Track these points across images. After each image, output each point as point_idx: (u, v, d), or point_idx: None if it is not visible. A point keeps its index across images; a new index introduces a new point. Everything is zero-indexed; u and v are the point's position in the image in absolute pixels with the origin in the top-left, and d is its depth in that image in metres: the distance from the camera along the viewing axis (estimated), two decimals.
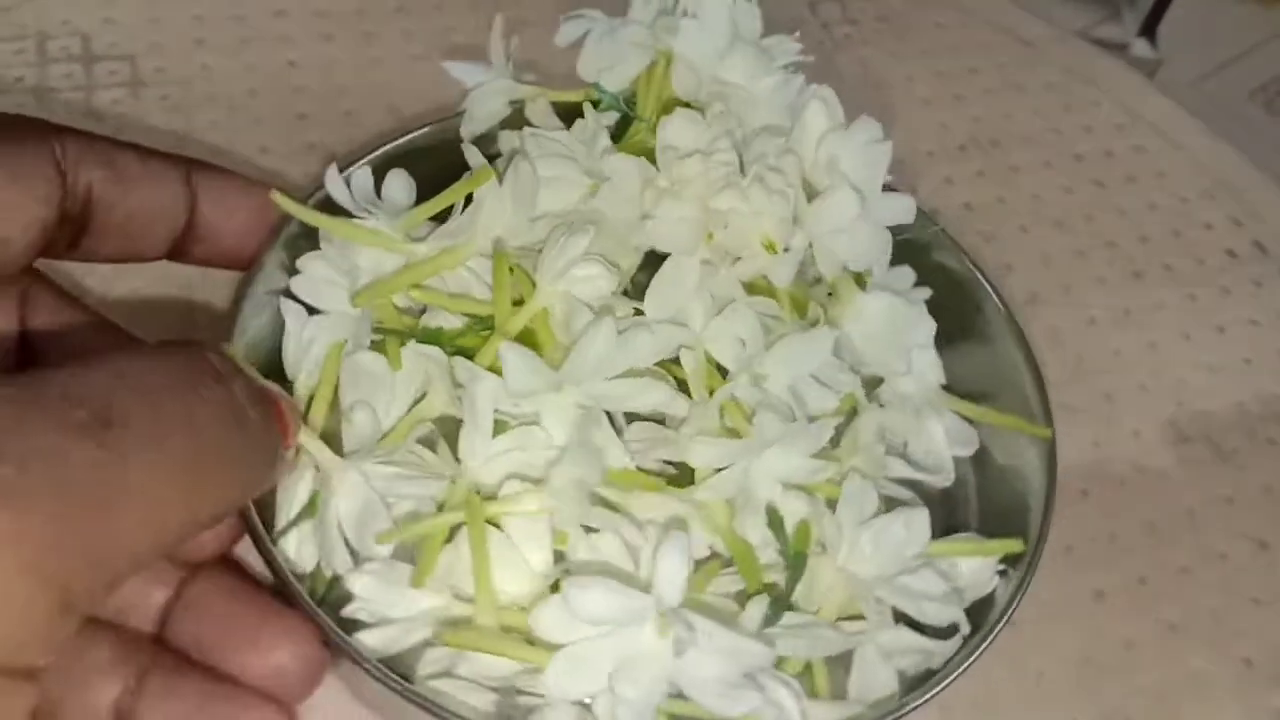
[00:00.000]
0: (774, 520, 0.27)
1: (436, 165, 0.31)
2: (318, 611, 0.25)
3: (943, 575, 0.27)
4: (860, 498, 0.27)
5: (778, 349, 0.28)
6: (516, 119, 0.32)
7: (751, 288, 0.30)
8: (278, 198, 0.29)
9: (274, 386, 0.24)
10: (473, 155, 0.30)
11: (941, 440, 0.31)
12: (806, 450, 0.27)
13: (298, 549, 0.26)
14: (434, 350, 0.28)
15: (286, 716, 0.25)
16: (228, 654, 0.25)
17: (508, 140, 0.32)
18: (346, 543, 0.26)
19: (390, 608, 0.25)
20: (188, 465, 0.20)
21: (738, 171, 0.29)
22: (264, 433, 0.23)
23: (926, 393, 0.31)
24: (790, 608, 0.27)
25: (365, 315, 0.28)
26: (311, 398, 0.28)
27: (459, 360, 0.27)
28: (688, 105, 0.31)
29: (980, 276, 0.33)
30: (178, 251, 0.28)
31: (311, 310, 0.29)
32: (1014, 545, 0.28)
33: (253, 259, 0.29)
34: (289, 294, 0.29)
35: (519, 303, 0.29)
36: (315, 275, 0.29)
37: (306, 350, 0.28)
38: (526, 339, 0.28)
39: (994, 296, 0.33)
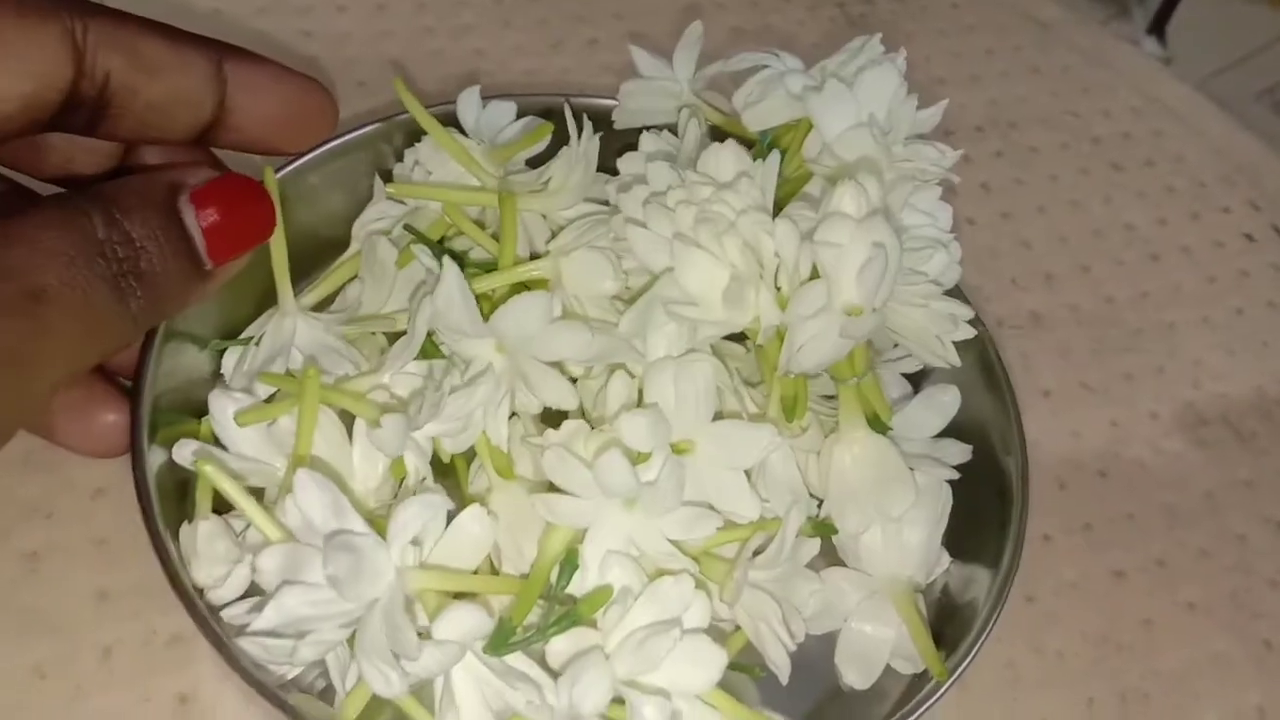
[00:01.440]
0: (570, 560, 0.25)
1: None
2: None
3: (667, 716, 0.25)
4: (667, 600, 0.25)
5: (716, 425, 0.26)
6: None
7: (758, 357, 0.28)
8: (401, 89, 0.30)
9: (252, 181, 0.26)
10: (573, 122, 0.29)
11: (880, 642, 0.28)
12: (668, 531, 0.25)
13: (234, 364, 0.28)
14: (434, 263, 0.27)
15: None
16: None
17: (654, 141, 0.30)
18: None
19: (232, 439, 0.26)
20: (55, 324, 0.22)
21: (728, 217, 0.26)
22: (139, 308, 0.24)
23: (892, 579, 0.28)
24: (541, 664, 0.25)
25: (420, 212, 0.30)
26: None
27: (433, 273, 0.27)
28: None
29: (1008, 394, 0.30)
30: (202, 137, 0.28)
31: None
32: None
33: (290, 152, 0.30)
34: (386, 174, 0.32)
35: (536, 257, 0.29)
36: (430, 158, 0.31)
37: (367, 227, 0.30)
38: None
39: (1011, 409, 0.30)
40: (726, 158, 0.27)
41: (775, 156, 0.27)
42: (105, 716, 0.27)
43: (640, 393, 0.27)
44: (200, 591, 0.25)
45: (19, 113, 0.25)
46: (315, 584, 0.22)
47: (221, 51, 0.27)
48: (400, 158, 0.32)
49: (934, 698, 0.26)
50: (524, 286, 0.28)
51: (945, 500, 0.28)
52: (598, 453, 0.25)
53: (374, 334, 0.29)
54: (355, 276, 0.30)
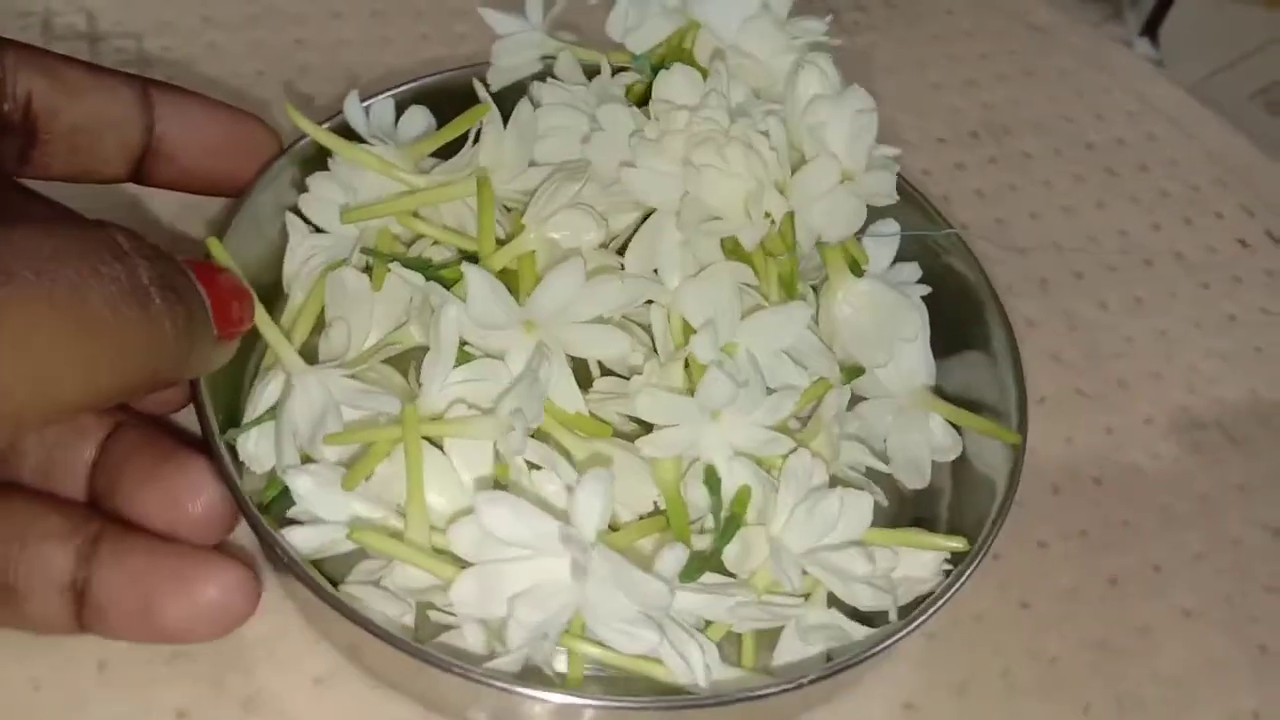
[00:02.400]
0: (710, 478, 0.27)
1: (462, 110, 0.31)
2: (258, 519, 0.25)
3: (869, 559, 0.26)
4: (803, 473, 0.27)
5: (752, 319, 0.28)
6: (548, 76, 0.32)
7: (741, 256, 0.29)
8: (291, 112, 0.29)
9: (227, 274, 0.25)
10: (479, 91, 0.30)
11: (920, 442, 0.30)
12: (763, 421, 0.27)
13: (256, 444, 0.27)
14: (415, 276, 0.28)
15: (246, 571, 0.25)
16: (124, 500, 0.25)
17: (534, 94, 0.31)
18: (300, 448, 0.26)
19: (323, 509, 0.25)
20: (75, 330, 0.20)
21: (722, 130, 0.29)
22: (174, 319, 0.22)
23: (911, 391, 0.30)
24: (723, 572, 0.27)
25: (362, 237, 0.29)
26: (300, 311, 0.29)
27: (433, 285, 0.27)
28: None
29: (986, 285, 0.32)
30: (142, 173, 0.28)
31: (316, 231, 0.30)
32: (957, 543, 0.28)
33: (231, 186, 0.29)
34: (295, 210, 0.30)
35: (504, 243, 0.29)
36: (321, 195, 0.30)
37: (303, 266, 0.29)
38: (509, 279, 0.28)
39: (996, 309, 0.32)
40: (681, 82, 0.29)
41: (720, 71, 0.29)
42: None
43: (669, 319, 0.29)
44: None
45: None
46: (531, 589, 0.24)
47: (145, 81, 0.27)
48: (302, 188, 0.30)
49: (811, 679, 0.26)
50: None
51: (922, 310, 0.31)
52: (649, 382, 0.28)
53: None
54: (320, 321, 0.29)
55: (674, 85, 0.29)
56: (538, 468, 0.26)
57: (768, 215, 0.29)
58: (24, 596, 0.24)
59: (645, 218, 0.30)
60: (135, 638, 0.25)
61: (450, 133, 0.30)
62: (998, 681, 0.31)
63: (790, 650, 0.27)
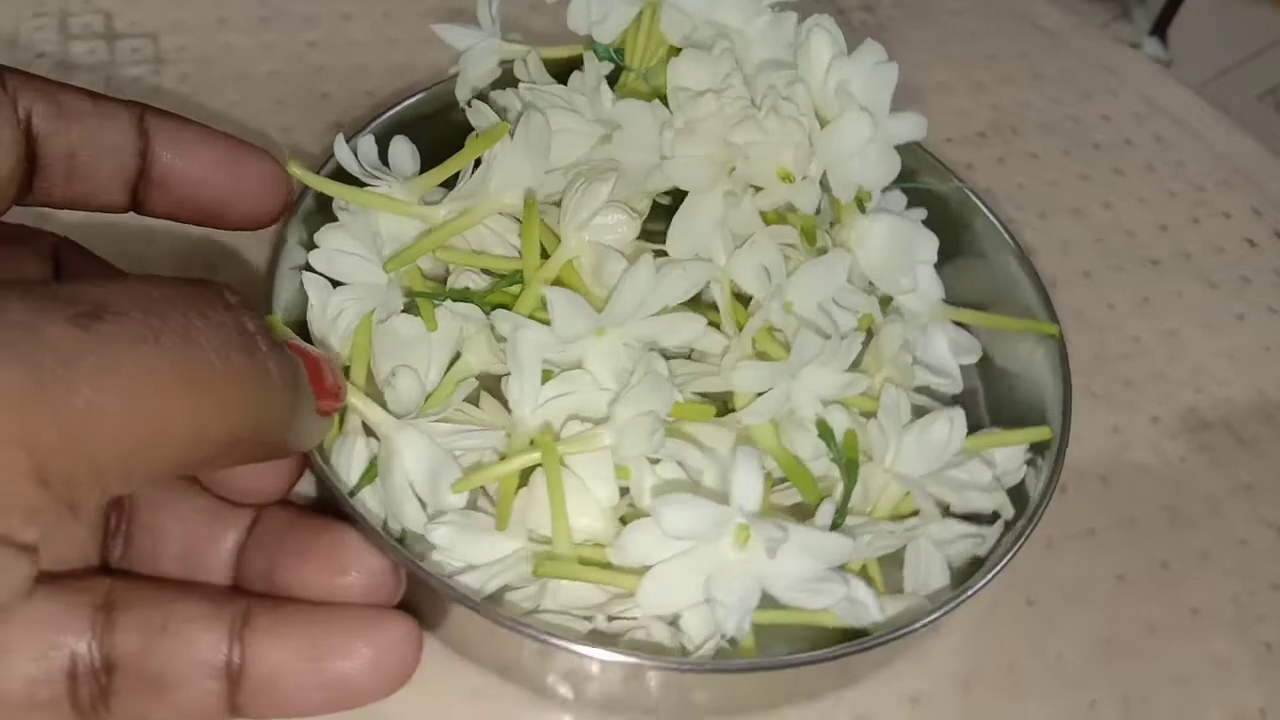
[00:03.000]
0: (824, 431, 0.29)
1: (434, 130, 0.32)
2: (410, 559, 0.25)
3: (988, 463, 0.30)
4: (898, 404, 0.29)
5: (798, 275, 0.29)
6: (504, 80, 0.33)
7: (769, 220, 0.31)
8: (295, 170, 0.29)
9: (315, 350, 0.24)
10: (481, 114, 0.31)
11: (946, 350, 0.33)
12: (840, 367, 0.29)
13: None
14: (470, 308, 0.29)
15: (408, 622, 0.25)
16: (286, 575, 0.25)
17: (502, 100, 0.32)
18: (418, 500, 0.26)
19: (473, 554, 0.26)
20: (182, 375, 0.19)
21: (752, 105, 0.30)
22: (280, 370, 0.22)
23: (930, 307, 0.33)
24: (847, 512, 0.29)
25: (393, 281, 0.29)
26: (347, 367, 0.28)
27: (501, 313, 0.28)
28: (678, 51, 0.31)
29: (970, 194, 0.35)
30: (139, 201, 0.28)
31: (334, 283, 0.29)
32: (1043, 433, 0.31)
33: (229, 218, 0.29)
34: (309, 268, 0.29)
35: (544, 256, 0.29)
36: (334, 247, 0.29)
37: (334, 323, 0.29)
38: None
39: (985, 211, 0.34)
40: (695, 68, 0.30)
41: (724, 50, 0.30)
42: None
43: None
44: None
45: (13, 167, 0.25)
46: (718, 574, 0.25)
47: (142, 108, 0.27)
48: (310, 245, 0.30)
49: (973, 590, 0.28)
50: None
51: (931, 234, 0.32)
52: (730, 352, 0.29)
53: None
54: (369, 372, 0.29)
55: (687, 71, 0.30)
56: (655, 460, 0.27)
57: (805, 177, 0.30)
58: (173, 686, 0.23)
59: (673, 202, 0.31)
60: (302, 708, 0.24)
61: (466, 157, 0.30)
62: (1003, 678, 0.31)
63: (923, 565, 0.29)
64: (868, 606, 0.27)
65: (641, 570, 0.25)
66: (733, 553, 0.25)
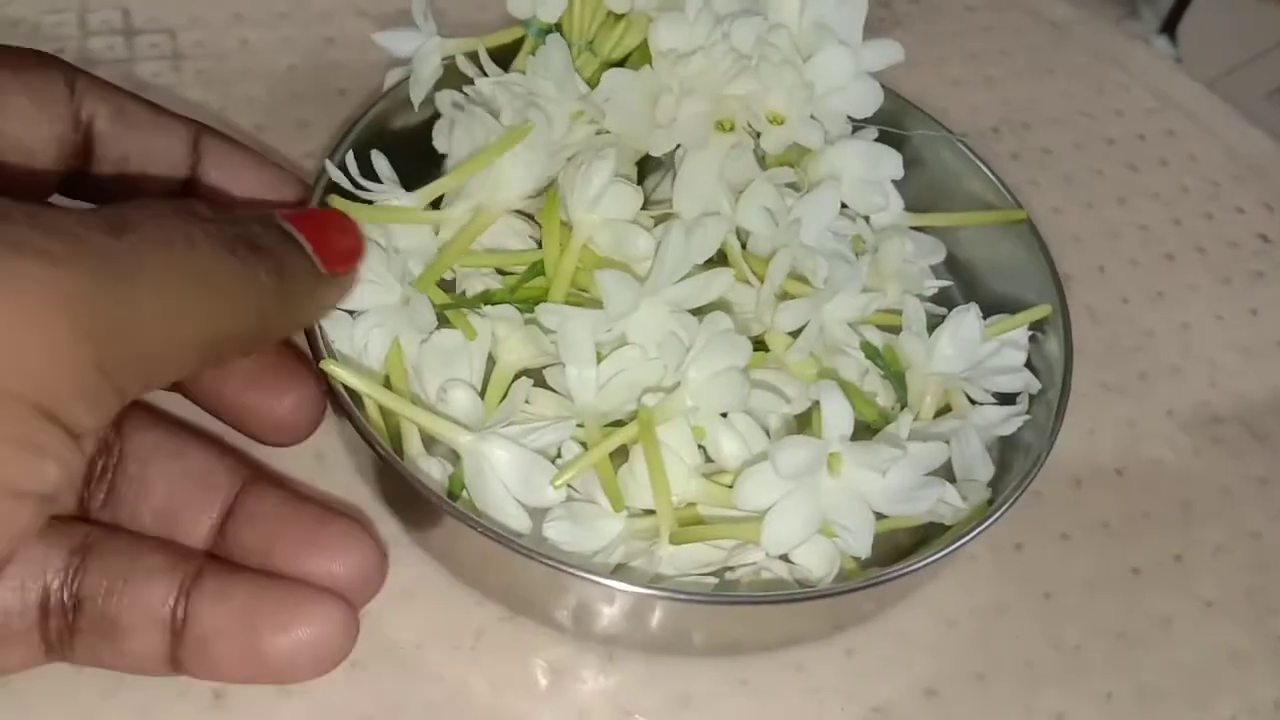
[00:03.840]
0: (870, 351, 0.30)
1: (395, 137, 0.33)
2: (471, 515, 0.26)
3: (1019, 345, 0.32)
4: (919, 312, 0.31)
5: (795, 211, 0.30)
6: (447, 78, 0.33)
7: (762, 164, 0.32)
8: (338, 202, 0.28)
9: (322, 210, 0.27)
10: (487, 123, 0.30)
11: (901, 249, 0.34)
12: (858, 289, 0.30)
13: None
14: (506, 310, 0.29)
15: (348, 608, 0.26)
16: (285, 560, 0.26)
17: (446, 100, 0.32)
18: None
19: (589, 541, 0.27)
20: (193, 272, 0.22)
21: (745, 56, 0.30)
22: (264, 264, 0.24)
23: (895, 219, 0.34)
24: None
25: (421, 299, 0.28)
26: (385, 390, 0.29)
27: (546, 306, 0.28)
28: (619, 18, 0.32)
29: (964, 147, 0.36)
30: None
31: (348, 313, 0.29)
32: (1044, 310, 0.33)
33: None
34: None
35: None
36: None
37: (364, 348, 0.29)
38: (578, 274, 0.29)
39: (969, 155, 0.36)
40: (676, 30, 0.30)
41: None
42: (140, 711, 0.27)
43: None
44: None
45: (60, 156, 0.27)
46: (840, 504, 0.27)
47: (201, 127, 0.29)
48: None
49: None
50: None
51: (886, 149, 0.33)
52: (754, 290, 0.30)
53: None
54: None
55: (670, 33, 0.30)
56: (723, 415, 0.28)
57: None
58: (125, 632, 0.25)
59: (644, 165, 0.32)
60: (232, 674, 0.25)
61: (484, 161, 0.30)
62: (1020, 670, 0.31)
63: (969, 452, 0.31)
64: (954, 503, 0.29)
65: (759, 516, 0.26)
66: (830, 481, 0.27)
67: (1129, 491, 0.35)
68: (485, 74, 0.32)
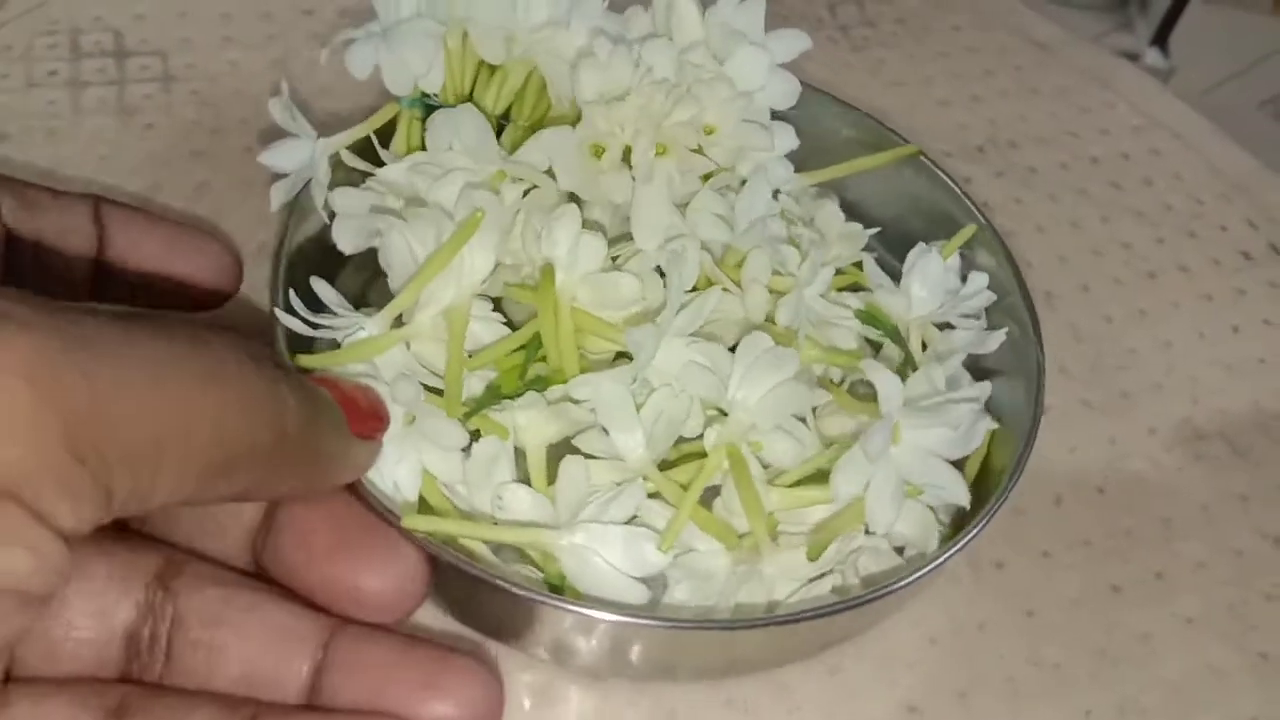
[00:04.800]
0: (867, 316, 0.32)
1: (315, 248, 0.32)
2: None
3: (981, 270, 0.34)
4: (876, 268, 0.33)
5: (740, 209, 0.31)
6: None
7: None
8: (308, 360, 0.28)
9: (346, 380, 0.25)
10: (437, 220, 0.29)
11: (838, 209, 0.35)
12: (820, 260, 0.32)
13: None
14: (529, 397, 0.28)
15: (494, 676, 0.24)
16: (393, 704, 0.23)
17: (346, 201, 0.30)
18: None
19: (707, 592, 0.28)
20: (199, 369, 0.20)
21: (681, 87, 0.31)
22: (291, 387, 0.22)
23: (791, 179, 0.34)
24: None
25: (448, 422, 0.28)
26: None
27: (579, 380, 0.28)
28: (492, 70, 0.32)
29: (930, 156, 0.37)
30: (98, 286, 0.29)
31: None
32: (970, 230, 0.35)
33: (183, 300, 0.30)
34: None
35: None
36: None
37: (395, 490, 0.28)
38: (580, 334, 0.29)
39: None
40: (599, 75, 0.30)
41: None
42: None
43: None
44: None
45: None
46: (919, 461, 0.29)
47: (97, 199, 0.29)
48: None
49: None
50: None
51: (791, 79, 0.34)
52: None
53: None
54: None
55: (592, 81, 0.30)
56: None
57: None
58: None
59: None
60: None
61: (438, 265, 0.28)
62: (1001, 687, 0.31)
63: (958, 377, 0.31)
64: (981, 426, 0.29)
65: (858, 501, 0.28)
66: (896, 450, 0.28)
67: (1110, 509, 0.36)
68: (371, 162, 0.31)
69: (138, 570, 0.24)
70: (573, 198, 0.31)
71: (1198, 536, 0.35)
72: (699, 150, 0.31)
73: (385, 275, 0.30)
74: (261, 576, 0.25)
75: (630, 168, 0.31)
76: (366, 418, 0.25)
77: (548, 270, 0.29)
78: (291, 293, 0.29)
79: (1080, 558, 0.34)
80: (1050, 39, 0.50)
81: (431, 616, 0.30)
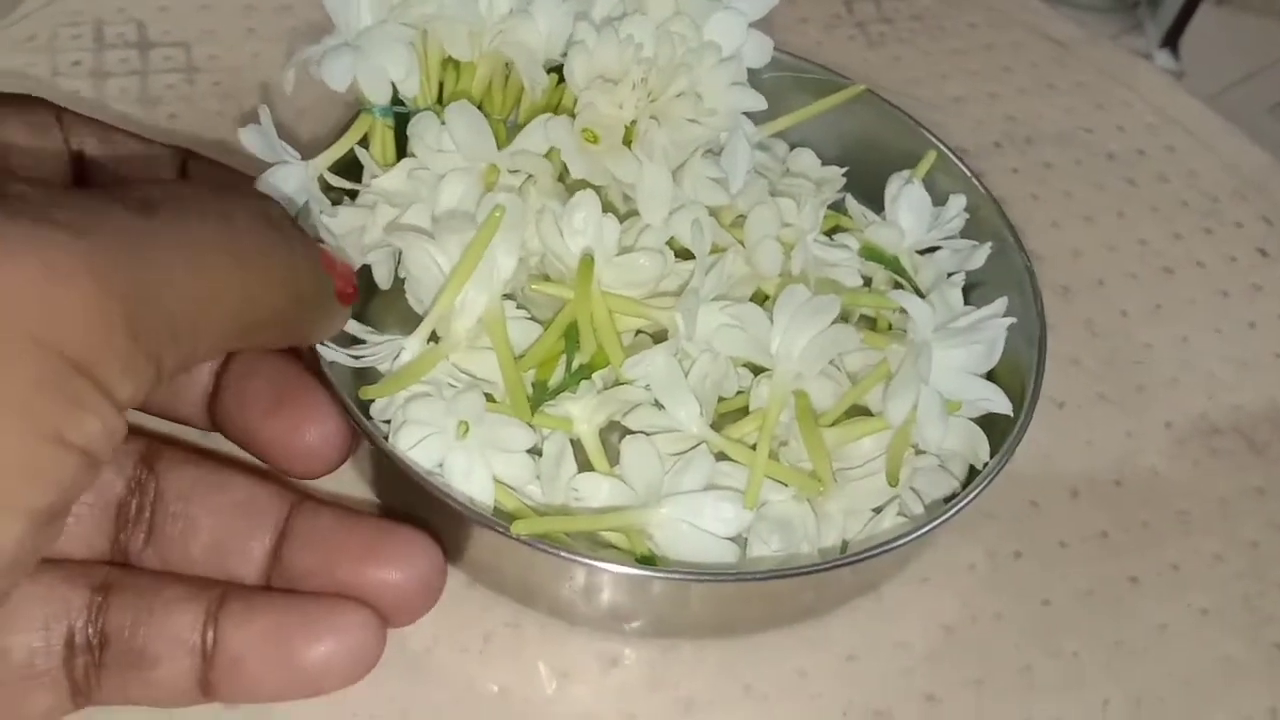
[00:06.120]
0: (871, 253, 0.33)
1: None
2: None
3: (958, 195, 0.35)
4: (859, 208, 0.35)
5: (724, 168, 0.32)
6: None
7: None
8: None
9: (334, 250, 0.28)
10: (465, 229, 0.29)
11: (814, 157, 0.36)
12: (819, 205, 0.33)
13: None
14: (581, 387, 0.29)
15: (375, 615, 0.26)
16: (349, 574, 0.26)
17: (337, 216, 0.30)
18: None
19: (797, 536, 0.29)
20: (227, 245, 0.22)
21: (670, 67, 0.31)
22: (305, 248, 0.25)
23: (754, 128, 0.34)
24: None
25: (513, 422, 0.29)
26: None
27: (631, 361, 0.29)
28: (458, 64, 0.31)
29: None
30: None
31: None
32: (930, 157, 0.36)
33: None
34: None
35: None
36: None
37: (471, 501, 0.28)
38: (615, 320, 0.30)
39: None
40: (589, 59, 0.30)
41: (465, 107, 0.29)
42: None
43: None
44: None
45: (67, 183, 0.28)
46: (951, 384, 0.30)
47: (186, 152, 0.30)
48: None
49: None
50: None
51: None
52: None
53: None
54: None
55: (585, 67, 0.30)
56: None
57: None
58: (153, 662, 0.25)
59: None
60: (265, 692, 0.26)
61: (462, 277, 0.29)
62: (1018, 677, 0.32)
63: (949, 299, 0.32)
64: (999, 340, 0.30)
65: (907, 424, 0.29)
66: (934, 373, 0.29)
67: (1127, 502, 0.36)
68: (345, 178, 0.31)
69: (128, 452, 0.27)
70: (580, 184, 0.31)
71: (1214, 530, 0.35)
72: (695, 120, 0.31)
73: (378, 295, 0.31)
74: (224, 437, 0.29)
75: (633, 147, 0.31)
76: (342, 278, 0.27)
77: (587, 261, 0.29)
78: (353, 321, 0.29)
79: (1097, 549, 0.34)
80: (1067, 36, 0.50)
81: (499, 602, 0.31)
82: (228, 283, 0.22)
